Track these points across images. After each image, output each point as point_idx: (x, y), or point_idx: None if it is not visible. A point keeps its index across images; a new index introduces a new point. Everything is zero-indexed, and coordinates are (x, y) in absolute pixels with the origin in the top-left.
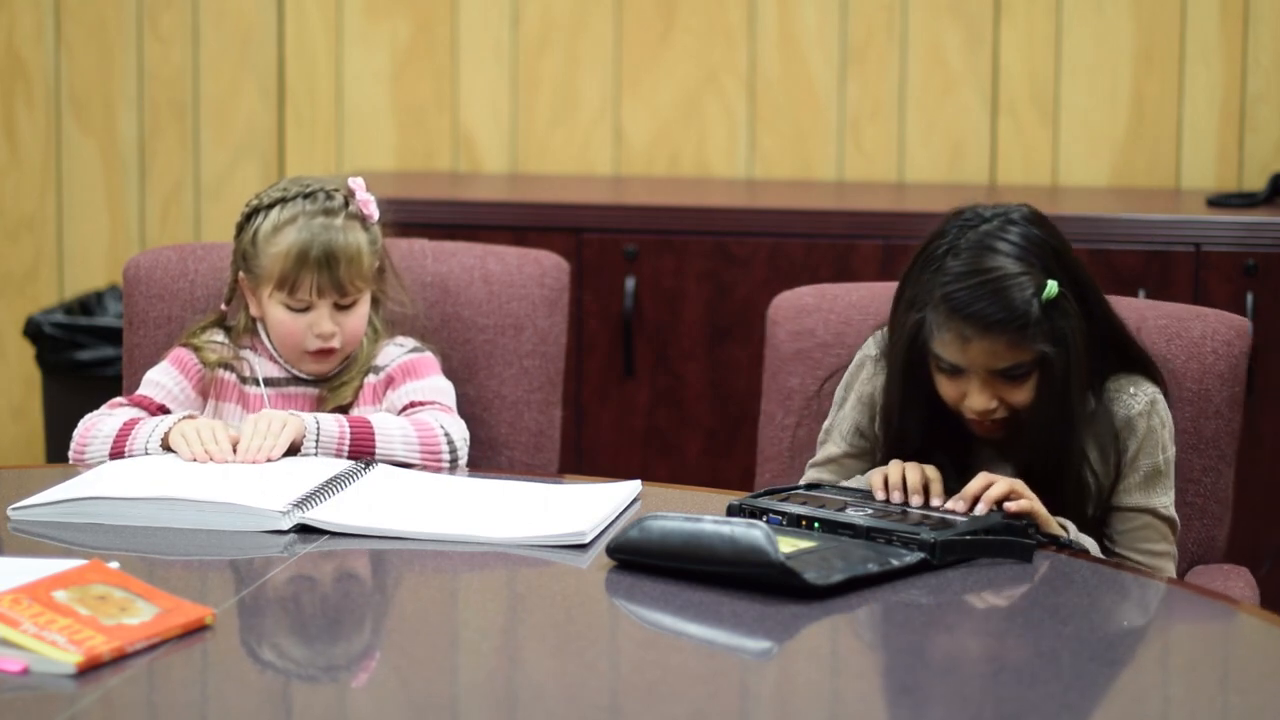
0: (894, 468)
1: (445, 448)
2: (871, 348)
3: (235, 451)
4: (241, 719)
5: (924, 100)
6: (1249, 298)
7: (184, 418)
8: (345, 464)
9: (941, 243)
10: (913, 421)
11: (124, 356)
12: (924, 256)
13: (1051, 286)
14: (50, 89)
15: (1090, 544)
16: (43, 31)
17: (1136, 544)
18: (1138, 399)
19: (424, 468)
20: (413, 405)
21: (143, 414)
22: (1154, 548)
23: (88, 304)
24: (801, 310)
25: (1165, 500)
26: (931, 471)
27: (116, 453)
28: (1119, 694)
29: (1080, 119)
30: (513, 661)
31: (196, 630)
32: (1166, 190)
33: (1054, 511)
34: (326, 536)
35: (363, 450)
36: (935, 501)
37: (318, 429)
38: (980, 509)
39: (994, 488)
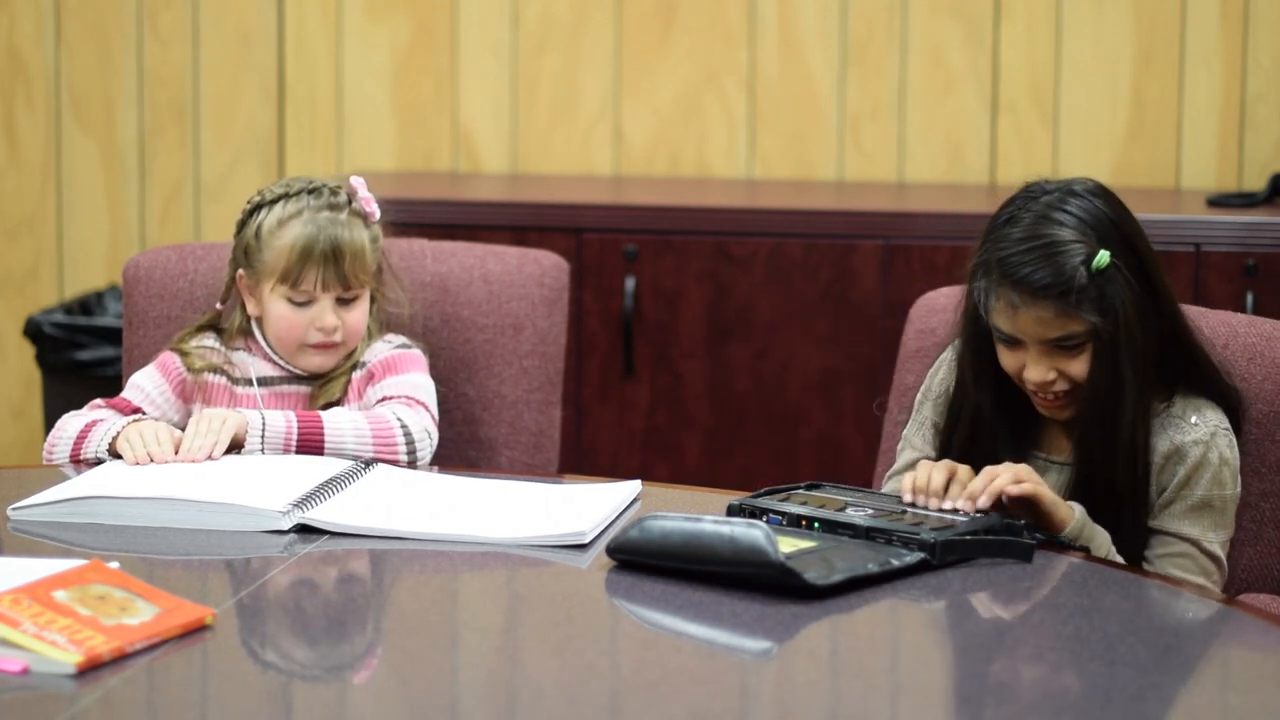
0: (921, 469)
1: (401, 441)
2: (948, 353)
3: (177, 452)
4: (241, 719)
5: (924, 100)
6: (1249, 298)
7: (133, 421)
8: (345, 464)
9: (1005, 212)
10: (981, 399)
11: (124, 356)
12: (989, 227)
13: (1102, 255)
14: (50, 89)
15: (1102, 536)
16: (43, 31)
17: (1170, 569)
18: (1197, 428)
19: (377, 461)
20: (384, 400)
21: (111, 415)
22: (1190, 579)
23: (88, 304)
24: (933, 310)
25: (1213, 536)
26: (963, 473)
27: (75, 454)
28: (1119, 694)
29: (1080, 119)
30: (513, 661)
31: (196, 630)
32: (1166, 190)
33: (1108, 500)
34: (326, 536)
35: (311, 445)
36: (958, 504)
37: (263, 424)
38: (984, 501)
39: (999, 480)
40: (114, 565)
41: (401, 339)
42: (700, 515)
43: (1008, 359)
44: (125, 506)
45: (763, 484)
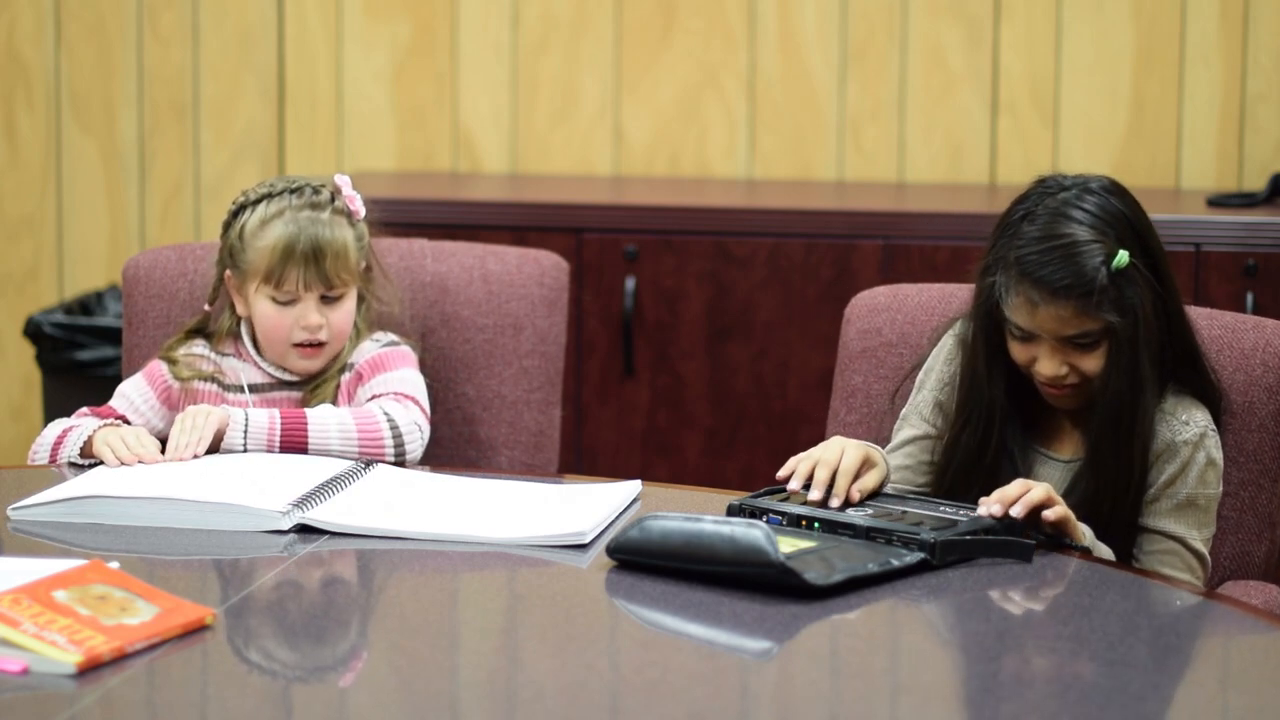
0: (1016, 486)
1: (388, 436)
2: (949, 336)
3: (163, 452)
4: (241, 719)
5: (924, 100)
6: (1249, 298)
7: (104, 425)
8: (345, 464)
9: (1020, 208)
10: (995, 394)
11: (124, 356)
12: (1004, 222)
13: (1122, 255)
14: (50, 89)
15: (1108, 553)
16: (43, 31)
17: (1159, 566)
18: (1189, 427)
19: (362, 458)
20: (374, 398)
21: (86, 422)
22: (1177, 575)
23: (88, 304)
24: (874, 309)
25: (1196, 534)
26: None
27: (53, 460)
28: (1118, 694)
29: (1080, 119)
30: (513, 661)
31: (196, 630)
32: (1166, 190)
33: (1109, 498)
34: (326, 536)
35: (294, 442)
36: (992, 510)
37: (246, 421)
38: (1018, 511)
39: (1033, 492)
40: (114, 565)
41: (390, 336)
42: (700, 515)
43: (1019, 352)
44: (125, 506)
45: (763, 484)
